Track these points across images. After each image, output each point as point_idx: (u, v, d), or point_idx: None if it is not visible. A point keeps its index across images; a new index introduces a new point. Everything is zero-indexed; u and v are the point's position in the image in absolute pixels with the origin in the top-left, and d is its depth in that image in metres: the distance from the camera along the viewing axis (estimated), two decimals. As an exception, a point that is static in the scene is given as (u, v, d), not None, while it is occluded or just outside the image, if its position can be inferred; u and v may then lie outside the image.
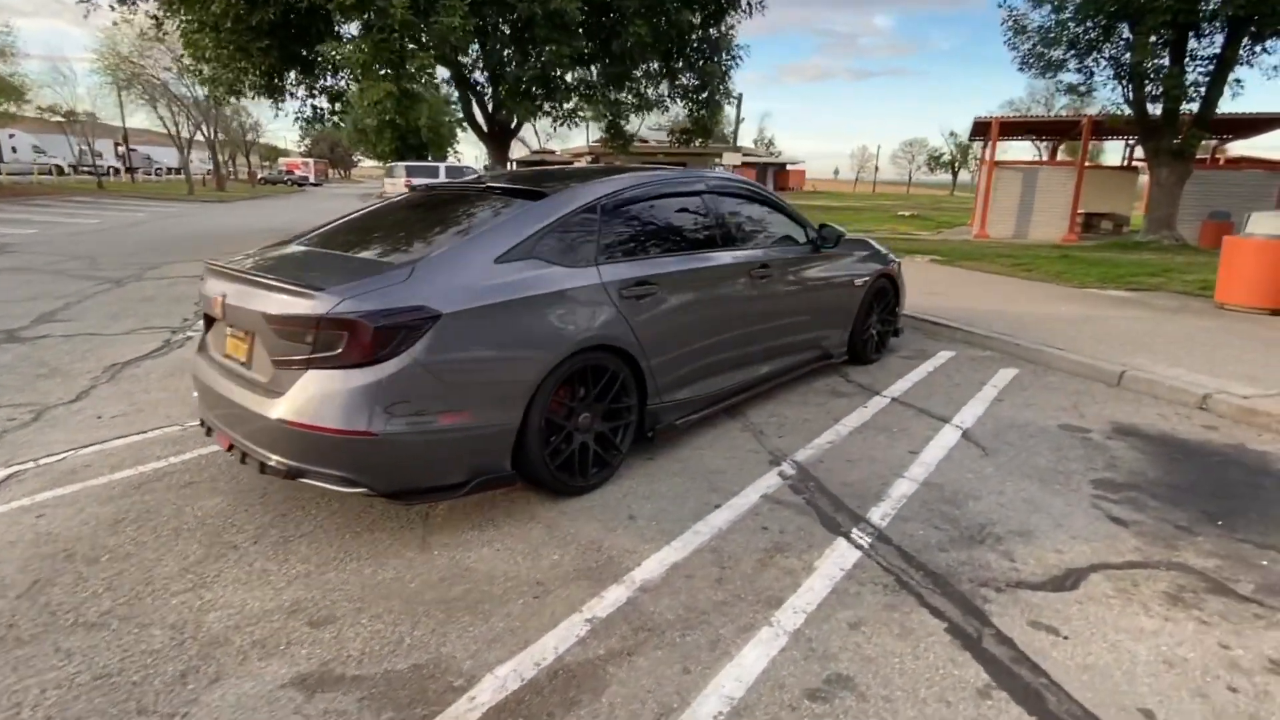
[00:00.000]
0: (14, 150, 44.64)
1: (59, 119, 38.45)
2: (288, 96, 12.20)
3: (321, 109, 12.20)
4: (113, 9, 11.28)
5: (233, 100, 12.65)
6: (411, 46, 10.34)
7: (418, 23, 10.04)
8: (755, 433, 4.15)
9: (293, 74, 12.07)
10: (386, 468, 2.72)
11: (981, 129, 22.33)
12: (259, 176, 56.01)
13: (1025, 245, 16.58)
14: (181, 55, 11.46)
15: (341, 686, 2.12)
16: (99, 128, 47.07)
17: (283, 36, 10.65)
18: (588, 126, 14.46)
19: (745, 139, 78.16)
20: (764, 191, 4.71)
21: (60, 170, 45.69)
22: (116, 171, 50.73)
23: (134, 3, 11.21)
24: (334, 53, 10.02)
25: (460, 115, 45.47)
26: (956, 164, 78.90)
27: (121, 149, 56.12)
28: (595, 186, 3.56)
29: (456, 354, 2.78)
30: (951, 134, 73.35)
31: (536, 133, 55.86)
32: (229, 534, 2.98)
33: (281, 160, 62.74)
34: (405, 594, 2.58)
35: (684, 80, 13.51)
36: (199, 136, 40.17)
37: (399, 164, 28.26)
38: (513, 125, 15.27)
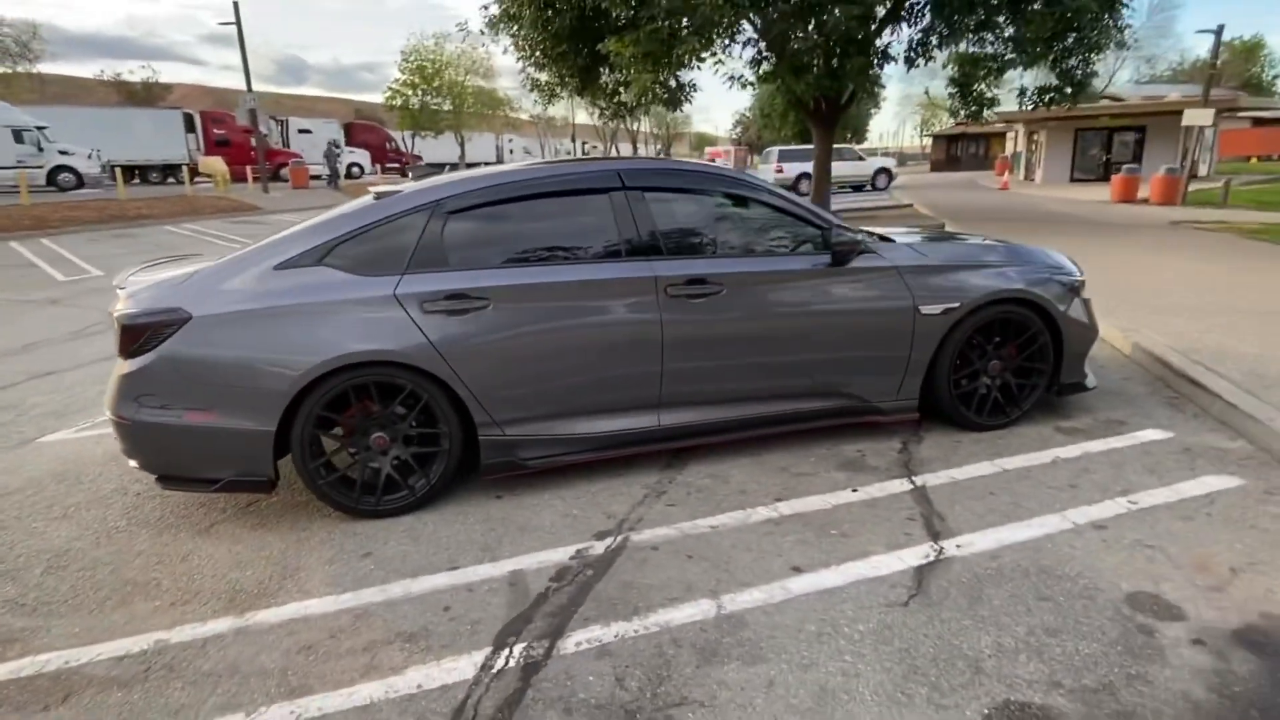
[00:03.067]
0: (510, 153, 59.06)
1: (533, 123, 49.66)
2: (601, 94, 13.72)
3: (624, 103, 13.41)
4: (481, 33, 14.21)
5: (561, 99, 14.70)
6: (686, 30, 10.65)
7: (683, 6, 10.31)
8: (652, 494, 3.47)
9: (606, 73, 13.52)
10: (146, 452, 3.19)
11: None
12: (685, 165, 63.34)
13: None
14: (521, 66, 13.78)
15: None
16: (568, 129, 59.19)
17: (579, 39, 12.04)
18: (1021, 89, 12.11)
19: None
20: (744, 186, 3.76)
21: (539, 166, 58.91)
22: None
23: (496, 29, 13.89)
24: (611, 48, 10.96)
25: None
26: None
27: (588, 146, 69.33)
28: (437, 188, 3.42)
29: (203, 355, 3.06)
30: None
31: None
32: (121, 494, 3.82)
33: (706, 149, 69.80)
34: (90, 564, 3.00)
35: (1037, 23, 10.78)
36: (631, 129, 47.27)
37: (773, 148, 29.02)
38: (843, 102, 14.43)
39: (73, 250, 13.49)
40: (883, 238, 4.12)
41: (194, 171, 28.49)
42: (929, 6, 10.94)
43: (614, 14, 10.87)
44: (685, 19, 10.41)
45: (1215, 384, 4.22)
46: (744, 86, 13.69)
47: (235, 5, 21.75)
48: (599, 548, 3.00)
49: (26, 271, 11.39)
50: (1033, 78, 13.90)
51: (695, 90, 12.30)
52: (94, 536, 3.28)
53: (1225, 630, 2.34)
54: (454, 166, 39.92)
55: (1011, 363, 4.00)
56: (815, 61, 11.07)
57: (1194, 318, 5.93)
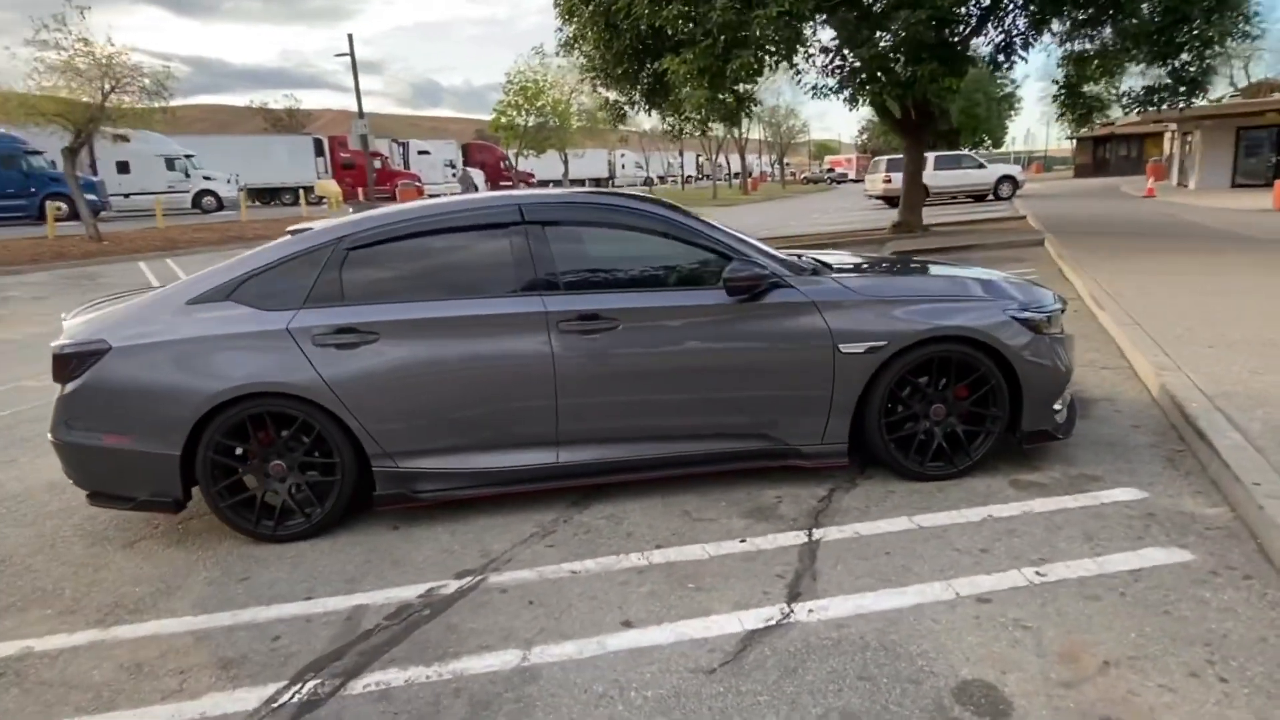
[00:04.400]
0: (622, 167, 60.40)
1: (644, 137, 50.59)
2: (672, 111, 13.83)
3: (690, 119, 13.43)
4: (556, 54, 14.76)
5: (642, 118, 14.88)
6: (747, 48, 10.58)
7: (738, 21, 10.27)
8: (540, 533, 3.49)
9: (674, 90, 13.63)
10: (76, 470, 3.57)
11: None
12: (801, 175, 62.40)
13: None
14: (583, 81, 14.11)
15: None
16: (683, 142, 59.69)
17: (641, 58, 12.22)
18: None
19: None
20: (652, 218, 3.70)
21: (649, 182, 59.80)
22: (692, 179, 63.45)
23: (570, 49, 14.38)
24: (666, 65, 11.08)
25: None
26: None
27: (701, 159, 69.42)
28: (343, 225, 3.62)
29: (119, 383, 3.41)
30: None
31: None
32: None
33: (827, 158, 68.40)
34: (21, 570, 3.39)
35: (1140, 18, 9.77)
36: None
37: (881, 158, 28.02)
38: (933, 112, 13.83)
39: (188, 269, 15.05)
40: (822, 266, 3.95)
41: (310, 193, 31.38)
42: (1015, 7, 10.26)
43: (670, 31, 10.98)
44: (741, 32, 10.35)
45: (1221, 437, 3.71)
46: (823, 97, 13.38)
47: (349, 37, 23.80)
48: (451, 587, 3.07)
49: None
50: (1154, 76, 12.73)
51: (756, 104, 12.17)
52: (39, 544, 3.70)
53: (1045, 734, 2.09)
54: (557, 183, 41.37)
55: (958, 407, 3.71)
56: (889, 68, 10.61)
57: (1266, 355, 5.23)
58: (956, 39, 11.62)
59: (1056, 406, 3.82)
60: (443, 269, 3.60)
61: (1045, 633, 2.52)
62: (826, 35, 12.74)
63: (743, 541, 3.28)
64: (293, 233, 3.75)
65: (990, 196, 27.25)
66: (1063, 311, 4.05)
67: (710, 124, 12.58)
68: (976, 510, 3.42)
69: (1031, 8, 10.25)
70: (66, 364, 3.46)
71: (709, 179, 65.20)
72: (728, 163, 55.77)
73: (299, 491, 3.56)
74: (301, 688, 2.49)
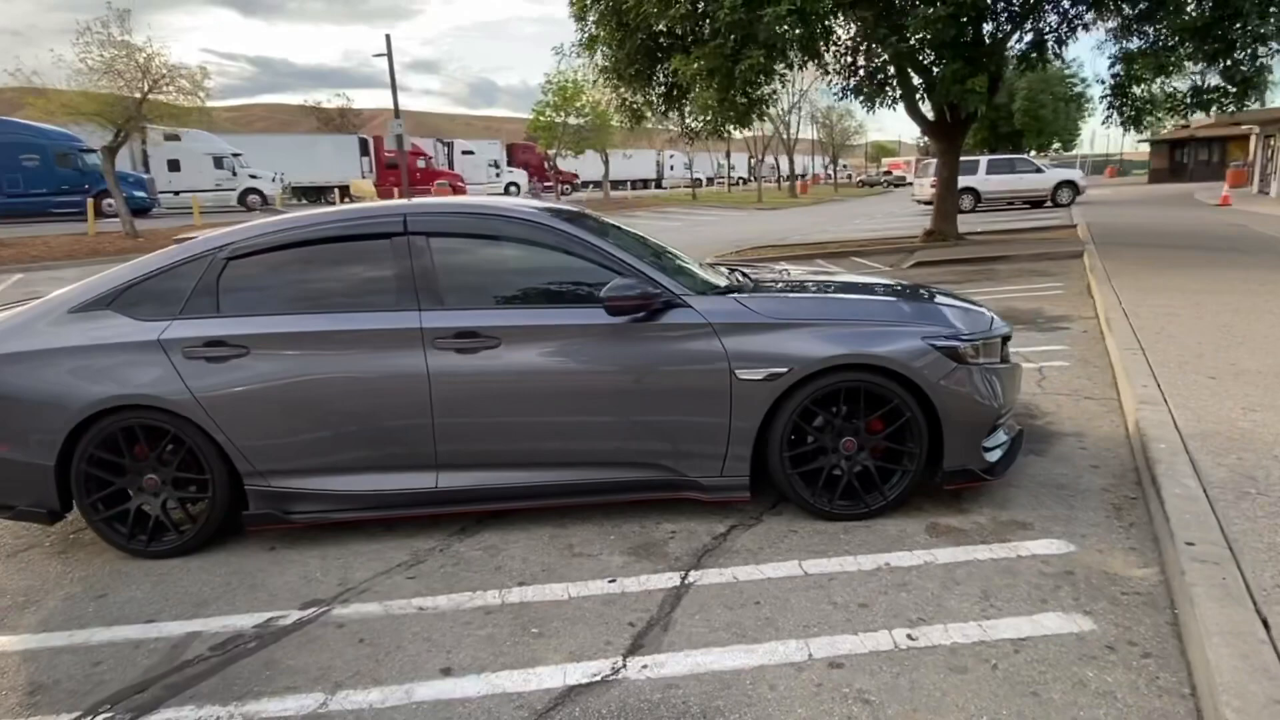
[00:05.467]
0: (671, 168, 60.18)
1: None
2: (694, 113, 13.62)
3: (708, 122, 13.19)
4: (575, 55, 14.72)
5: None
6: (758, 48, 10.33)
7: (746, 20, 10.03)
8: (410, 561, 3.38)
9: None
10: (-41, 477, 3.60)
11: None
12: (856, 178, 61.22)
13: None
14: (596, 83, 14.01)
15: None
16: (730, 142, 59.19)
17: (654, 60, 12.06)
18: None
19: None
20: (546, 230, 3.53)
21: (698, 183, 59.40)
22: (743, 181, 62.92)
23: (590, 49, 14.34)
24: (675, 66, 10.92)
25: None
26: None
27: (753, 160, 68.81)
28: (227, 233, 3.58)
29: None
30: None
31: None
32: None
33: (885, 160, 66.96)
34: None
35: (1186, 13, 9.14)
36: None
37: (930, 161, 27.22)
38: (965, 116, 13.32)
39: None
40: (747, 284, 3.75)
41: (345, 192, 32.31)
42: (1048, 1, 9.73)
43: (678, 31, 10.82)
44: (751, 33, 10.11)
45: (1174, 485, 3.36)
46: (844, 98, 13.01)
47: (387, 38, 24.27)
48: (292, 618, 2.97)
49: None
50: (1207, 77, 11.98)
51: (768, 106, 11.88)
52: (-66, 550, 3.75)
53: (831, 836, 1.86)
54: (597, 185, 41.44)
55: (871, 442, 3.46)
56: (919, 65, 10.18)
57: (1273, 389, 4.77)
58: (986, 37, 11.13)
59: (989, 444, 3.53)
60: (322, 280, 3.53)
61: (886, 709, 2.28)
62: (852, 32, 12.38)
63: (611, 582, 3.10)
64: (178, 240, 3.73)
65: (1049, 203, 26.20)
66: (1007, 339, 3.76)
67: (722, 127, 12.31)
68: (874, 558, 3.16)
69: (1064, 3, 9.71)
70: (-52, 370, 3.49)
71: (756, 181, 64.29)
72: (777, 165, 55.01)
73: (174, 507, 3.53)
74: (88, 722, 2.42)
